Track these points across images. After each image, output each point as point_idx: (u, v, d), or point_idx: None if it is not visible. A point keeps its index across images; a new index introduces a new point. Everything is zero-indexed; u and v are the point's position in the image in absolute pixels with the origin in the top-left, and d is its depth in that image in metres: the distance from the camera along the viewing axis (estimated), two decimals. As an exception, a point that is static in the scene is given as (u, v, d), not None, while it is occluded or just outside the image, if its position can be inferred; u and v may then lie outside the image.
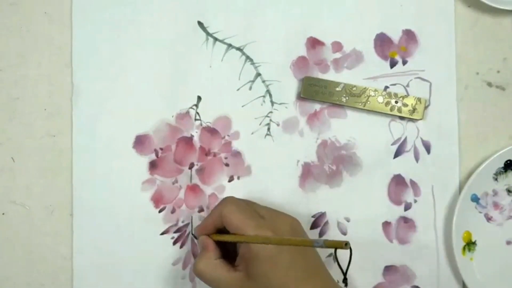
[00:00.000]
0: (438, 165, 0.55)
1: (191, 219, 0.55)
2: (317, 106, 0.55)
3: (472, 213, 0.55)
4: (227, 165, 0.55)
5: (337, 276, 0.55)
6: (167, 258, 0.54)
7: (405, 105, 0.55)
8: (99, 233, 0.54)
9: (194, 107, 0.55)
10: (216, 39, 0.55)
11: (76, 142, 0.54)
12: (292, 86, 0.55)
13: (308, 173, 0.55)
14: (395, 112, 0.55)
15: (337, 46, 0.56)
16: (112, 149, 0.54)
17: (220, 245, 0.48)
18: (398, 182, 0.55)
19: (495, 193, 0.56)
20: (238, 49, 0.55)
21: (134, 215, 0.54)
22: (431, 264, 0.55)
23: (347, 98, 0.55)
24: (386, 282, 0.55)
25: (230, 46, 0.55)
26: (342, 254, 0.55)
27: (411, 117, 0.55)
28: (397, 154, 0.55)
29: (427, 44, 0.56)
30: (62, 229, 0.54)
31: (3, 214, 0.54)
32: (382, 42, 0.56)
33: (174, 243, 0.54)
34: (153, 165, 0.54)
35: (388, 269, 0.55)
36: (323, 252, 0.55)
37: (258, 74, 0.55)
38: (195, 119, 0.55)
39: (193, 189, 0.55)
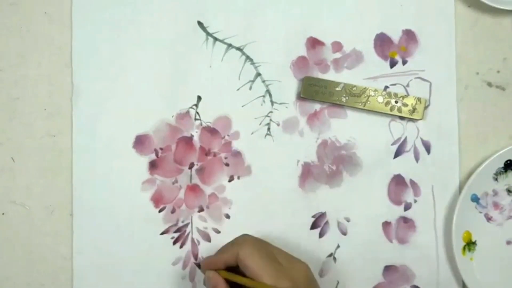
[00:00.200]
0: (438, 165, 0.55)
1: (191, 219, 0.55)
2: (317, 106, 0.55)
3: (472, 213, 0.55)
4: (227, 165, 0.55)
5: (337, 277, 0.55)
6: (167, 258, 0.54)
7: (405, 105, 0.55)
8: (99, 233, 0.54)
9: (194, 107, 0.55)
10: (216, 39, 0.55)
11: (76, 142, 0.54)
12: (292, 86, 0.55)
13: (308, 173, 0.55)
14: (395, 112, 0.55)
15: (337, 46, 0.56)
16: (112, 149, 0.54)
17: (229, 283, 0.45)
18: (398, 182, 0.55)
19: (495, 193, 0.56)
20: (238, 49, 0.55)
21: (134, 215, 0.54)
22: (431, 264, 0.55)
23: (347, 98, 0.55)
24: (386, 282, 0.55)
25: (230, 46, 0.55)
26: (342, 254, 0.56)
27: (411, 117, 0.55)
28: (397, 154, 0.55)
29: (427, 44, 0.56)
30: (62, 229, 0.54)
31: (3, 214, 0.54)
32: (382, 42, 0.56)
33: (174, 243, 0.54)
34: (153, 165, 0.54)
35: (388, 269, 0.55)
36: (323, 252, 0.55)
37: (258, 74, 0.55)
38: (195, 119, 0.55)
39: (193, 189, 0.55)
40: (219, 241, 0.54)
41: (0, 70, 0.55)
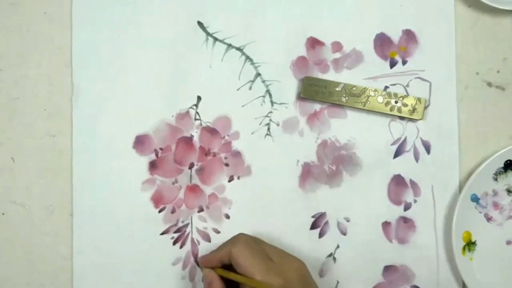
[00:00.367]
0: (438, 165, 0.55)
1: (191, 219, 0.55)
2: (317, 106, 0.55)
3: (472, 213, 0.55)
4: (227, 165, 0.55)
5: (337, 277, 0.55)
6: (167, 258, 0.54)
7: (405, 105, 0.55)
8: (99, 233, 0.54)
9: (194, 107, 0.55)
10: (216, 39, 0.55)
11: (76, 142, 0.54)
12: (292, 86, 0.55)
13: (308, 173, 0.55)
14: (395, 112, 0.55)
15: (337, 46, 0.56)
16: (112, 149, 0.54)
17: (224, 280, 0.47)
18: (398, 182, 0.55)
19: (495, 193, 0.56)
20: (238, 49, 0.55)
21: (134, 215, 0.54)
22: (431, 264, 0.55)
23: (347, 98, 0.55)
24: (386, 282, 0.55)
25: (230, 46, 0.55)
26: (342, 254, 0.55)
27: (411, 117, 0.55)
28: (397, 154, 0.55)
29: (427, 44, 0.56)
30: (62, 229, 0.54)
31: (3, 214, 0.54)
32: (382, 42, 0.56)
33: (174, 243, 0.54)
34: (153, 165, 0.54)
35: (388, 269, 0.55)
36: (323, 252, 0.55)
37: (258, 74, 0.55)
38: (195, 119, 0.55)
39: (193, 189, 0.55)
40: (219, 241, 0.54)
41: (0, 70, 0.55)
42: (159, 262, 0.54)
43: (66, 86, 0.55)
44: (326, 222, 0.55)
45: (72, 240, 0.54)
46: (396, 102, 0.55)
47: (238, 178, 0.55)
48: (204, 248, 0.54)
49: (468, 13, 0.56)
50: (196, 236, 0.55)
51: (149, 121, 0.55)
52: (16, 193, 0.54)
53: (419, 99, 0.55)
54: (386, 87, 0.56)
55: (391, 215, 0.55)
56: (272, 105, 0.55)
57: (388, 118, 0.56)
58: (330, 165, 0.55)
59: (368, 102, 0.55)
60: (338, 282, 0.55)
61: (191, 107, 0.55)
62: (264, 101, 0.55)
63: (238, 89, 0.55)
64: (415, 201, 0.55)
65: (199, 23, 0.55)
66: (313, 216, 0.55)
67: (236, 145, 0.55)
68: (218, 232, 0.55)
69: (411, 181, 0.55)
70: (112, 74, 0.55)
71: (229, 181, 0.55)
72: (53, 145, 0.54)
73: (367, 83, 0.55)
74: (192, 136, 0.55)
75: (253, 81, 0.55)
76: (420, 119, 0.55)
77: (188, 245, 0.55)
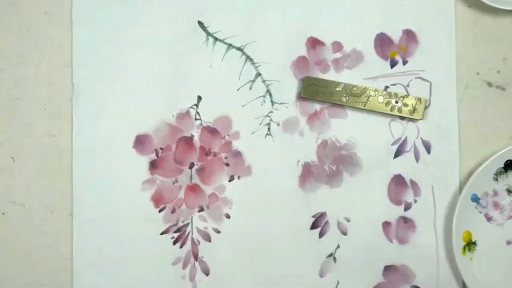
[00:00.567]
0: (438, 165, 0.55)
1: (191, 219, 0.55)
2: (317, 106, 0.55)
3: (472, 213, 0.55)
4: (227, 165, 0.55)
5: (337, 276, 0.55)
6: (167, 258, 0.54)
7: (405, 105, 0.55)
8: (99, 233, 0.54)
9: (194, 107, 0.55)
10: (216, 39, 0.55)
11: (76, 142, 0.54)
12: (292, 86, 0.55)
13: (308, 173, 0.55)
14: (395, 112, 0.55)
15: (337, 46, 0.56)
16: (112, 149, 0.54)
17: None
18: (398, 182, 0.55)
19: (495, 193, 0.56)
20: (238, 49, 0.55)
21: (134, 215, 0.54)
22: (431, 264, 0.55)
23: (347, 98, 0.55)
24: (386, 282, 0.55)
25: (230, 46, 0.55)
26: (342, 254, 0.55)
27: (411, 117, 0.55)
28: (397, 154, 0.55)
29: (427, 44, 0.56)
30: (62, 229, 0.54)
31: (3, 214, 0.54)
32: (382, 42, 0.56)
33: (174, 243, 0.54)
34: (153, 165, 0.54)
35: (388, 269, 0.55)
36: (323, 252, 0.55)
37: (258, 74, 0.55)
38: (195, 119, 0.55)
39: (193, 189, 0.55)
40: (219, 241, 0.54)
41: (0, 70, 0.55)
42: (159, 262, 0.54)
43: (66, 86, 0.55)
44: (326, 222, 0.55)
45: (72, 240, 0.54)
46: (396, 102, 0.55)
47: (239, 178, 0.55)
48: (204, 248, 0.54)
49: (468, 13, 0.56)
50: (196, 236, 0.55)
51: (149, 121, 0.55)
52: (16, 193, 0.54)
53: (419, 99, 0.55)
54: (387, 87, 0.56)
55: (391, 215, 0.55)
56: (272, 105, 0.55)
57: (389, 118, 0.56)
58: (330, 165, 0.55)
59: (369, 102, 0.55)
60: (338, 282, 0.55)
61: (191, 107, 0.55)
62: (264, 101, 0.55)
63: (238, 89, 0.55)
64: (415, 201, 0.55)
65: (199, 23, 0.55)
66: (313, 216, 0.55)
67: (236, 145, 0.55)
68: (218, 232, 0.55)
69: (411, 181, 0.55)
70: (112, 74, 0.55)
71: (230, 181, 0.55)
72: (53, 145, 0.54)
73: (367, 83, 0.55)
74: (192, 136, 0.55)
75: (253, 81, 0.55)
76: (421, 119, 0.55)
77: (188, 245, 0.55)
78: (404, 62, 0.56)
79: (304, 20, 0.56)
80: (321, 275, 0.55)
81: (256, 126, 0.55)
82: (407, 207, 0.55)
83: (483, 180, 0.54)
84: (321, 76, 0.55)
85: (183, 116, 0.55)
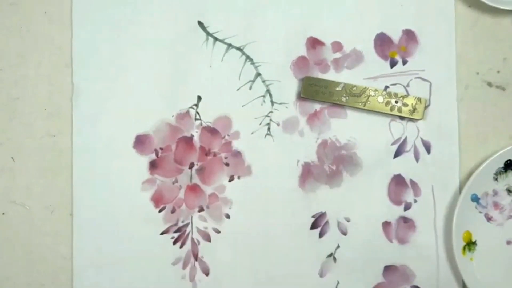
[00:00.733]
0: (438, 165, 0.55)
1: (191, 219, 0.55)
2: (317, 106, 0.55)
3: (472, 213, 0.55)
4: (227, 165, 0.55)
5: (337, 276, 0.55)
6: (167, 258, 0.54)
7: (405, 105, 0.55)
8: (99, 233, 0.54)
9: (194, 107, 0.55)
10: (216, 39, 0.55)
11: (76, 142, 0.54)
12: (292, 86, 0.55)
13: (308, 173, 0.55)
14: (395, 112, 0.55)
15: (337, 46, 0.56)
16: (112, 149, 0.54)
17: None
18: (398, 182, 0.55)
19: (495, 193, 0.55)
20: (238, 49, 0.55)
21: (134, 215, 0.54)
22: (431, 264, 0.55)
23: (347, 98, 0.55)
24: (386, 282, 0.55)
25: (230, 46, 0.55)
26: (342, 254, 0.55)
27: (411, 117, 0.55)
28: (397, 154, 0.55)
29: (427, 44, 0.56)
30: (62, 229, 0.54)
31: (3, 214, 0.54)
32: (382, 42, 0.56)
33: (174, 243, 0.54)
34: (153, 165, 0.54)
35: (388, 269, 0.55)
36: (323, 252, 0.55)
37: (258, 74, 0.55)
38: (195, 119, 0.55)
39: (193, 189, 0.55)
40: (219, 241, 0.54)
41: (0, 70, 0.55)
42: (159, 262, 0.54)
43: (66, 86, 0.55)
44: (326, 222, 0.55)
45: (72, 240, 0.54)
46: (396, 102, 0.55)
47: (239, 178, 0.55)
48: (204, 248, 0.54)
49: (468, 13, 0.56)
50: (196, 236, 0.55)
51: (149, 121, 0.55)
52: (16, 193, 0.54)
53: (419, 99, 0.55)
54: (386, 87, 0.56)
55: (391, 215, 0.55)
56: (272, 105, 0.55)
57: (388, 118, 0.56)
58: (330, 165, 0.55)
59: (368, 102, 0.55)
60: (338, 282, 0.55)
61: (191, 107, 0.55)
62: (264, 101, 0.55)
63: (238, 89, 0.55)
64: (415, 201, 0.55)
65: (199, 23, 0.55)
66: (313, 216, 0.55)
67: (236, 145, 0.55)
68: (218, 232, 0.55)
69: (411, 181, 0.55)
70: (112, 74, 0.55)
71: (229, 181, 0.55)
72: (53, 145, 0.54)
73: (367, 83, 0.55)
74: (192, 136, 0.55)
75: (253, 81, 0.55)
76: (420, 119, 0.55)
77: (188, 245, 0.55)
78: (404, 62, 0.56)
79: (304, 20, 0.56)
80: (321, 275, 0.55)
81: (256, 126, 0.55)
82: (407, 207, 0.55)
83: (483, 180, 0.54)
84: (321, 76, 0.55)
85: (183, 116, 0.55)
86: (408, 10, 0.56)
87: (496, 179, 0.55)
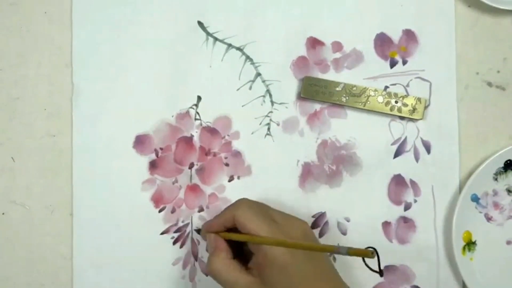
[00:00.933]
0: (438, 165, 0.55)
1: (191, 219, 0.55)
2: (317, 106, 0.55)
3: (472, 213, 0.55)
4: (227, 165, 0.55)
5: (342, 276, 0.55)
6: (167, 258, 0.54)
7: (405, 105, 0.55)
8: (99, 233, 0.54)
9: (194, 107, 0.55)
10: (216, 39, 0.55)
11: (76, 142, 0.54)
12: (292, 86, 0.55)
13: (308, 173, 0.55)
14: (395, 112, 0.55)
15: (337, 46, 0.56)
16: (112, 149, 0.54)
17: (230, 244, 0.47)
18: (398, 182, 0.55)
19: (495, 193, 0.56)
20: (238, 49, 0.55)
21: (134, 215, 0.54)
22: (431, 264, 0.55)
23: (347, 98, 0.55)
24: (386, 282, 0.55)
25: (230, 46, 0.55)
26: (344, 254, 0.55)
27: (411, 117, 0.55)
28: (397, 154, 0.55)
29: (427, 44, 0.56)
30: (62, 229, 0.54)
31: (3, 214, 0.54)
32: (382, 42, 0.56)
33: (174, 243, 0.54)
34: (153, 165, 0.54)
35: (388, 269, 0.55)
36: (323, 252, 0.55)
37: (258, 74, 0.55)
38: (195, 119, 0.55)
39: (193, 189, 0.55)
40: (219, 241, 0.54)
41: (0, 70, 0.55)
42: (159, 262, 0.54)
43: (66, 86, 0.55)
44: (326, 222, 0.55)
45: (72, 240, 0.54)
46: (396, 102, 0.55)
47: (238, 178, 0.55)
48: (204, 248, 0.54)
49: (468, 13, 0.56)
50: (196, 236, 0.55)
51: (149, 121, 0.55)
52: (16, 193, 0.54)
53: (419, 99, 0.55)
54: (386, 87, 0.56)
55: (391, 215, 0.55)
56: (272, 105, 0.55)
57: (388, 118, 0.56)
58: (330, 165, 0.55)
59: (368, 102, 0.55)
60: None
61: (191, 107, 0.55)
62: (264, 101, 0.55)
63: (238, 89, 0.55)
64: (415, 201, 0.55)
65: (199, 23, 0.55)
66: (313, 216, 0.55)
67: (236, 145, 0.55)
68: (218, 232, 0.55)
69: (411, 181, 0.55)
70: (112, 74, 0.55)
71: (229, 181, 0.55)
72: (53, 145, 0.54)
73: (367, 83, 0.55)
74: (192, 136, 0.55)
75: (253, 81, 0.55)
76: (420, 119, 0.55)
77: (188, 245, 0.55)
78: (404, 62, 0.56)
79: (304, 20, 0.56)
80: (321, 275, 0.55)
81: (256, 126, 0.55)
82: (407, 207, 0.55)
83: (483, 180, 0.54)
84: (321, 76, 0.55)
85: (183, 116, 0.55)
86: (408, 10, 0.56)
87: (496, 179, 0.55)
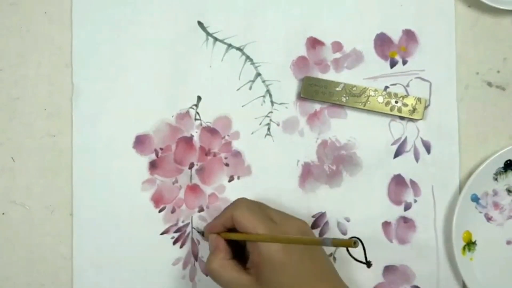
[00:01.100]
0: (438, 165, 0.55)
1: (191, 219, 0.55)
2: (317, 106, 0.55)
3: (472, 213, 0.55)
4: (227, 165, 0.55)
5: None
6: (167, 258, 0.54)
7: (405, 105, 0.55)
8: (99, 233, 0.54)
9: (194, 107, 0.55)
10: (216, 39, 0.55)
11: (76, 142, 0.54)
12: (292, 86, 0.55)
13: (308, 173, 0.55)
14: (395, 112, 0.55)
15: (337, 46, 0.56)
16: (112, 149, 0.54)
17: (230, 245, 0.48)
18: (398, 182, 0.55)
19: (495, 193, 0.56)
20: (238, 49, 0.55)
21: (134, 215, 0.54)
22: (431, 264, 0.55)
23: (347, 98, 0.55)
24: (386, 282, 0.55)
25: (230, 46, 0.55)
26: (342, 254, 0.55)
27: (411, 117, 0.55)
28: (397, 154, 0.55)
29: (427, 44, 0.56)
30: (62, 229, 0.54)
31: (3, 214, 0.54)
32: (382, 42, 0.56)
33: (174, 243, 0.54)
34: (153, 165, 0.54)
35: (388, 269, 0.55)
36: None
37: (258, 74, 0.55)
38: (195, 119, 0.55)
39: (193, 189, 0.55)
40: (219, 241, 0.54)
41: (0, 70, 0.55)
42: (159, 262, 0.54)
43: (66, 86, 0.55)
44: (326, 222, 0.55)
45: (72, 240, 0.54)
46: (396, 102, 0.55)
47: (238, 178, 0.55)
48: (204, 248, 0.54)
49: (468, 13, 0.56)
50: (196, 236, 0.55)
51: (149, 121, 0.55)
52: (16, 193, 0.54)
53: (419, 99, 0.55)
54: (386, 87, 0.56)
55: (391, 215, 0.55)
56: (272, 105, 0.55)
57: (388, 118, 0.56)
58: (330, 165, 0.55)
59: (368, 102, 0.55)
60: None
61: (191, 107, 0.55)
62: (264, 101, 0.55)
63: (238, 89, 0.55)
64: (415, 201, 0.55)
65: (199, 23, 0.55)
66: (313, 216, 0.55)
67: (236, 145, 0.55)
68: (218, 232, 0.55)
69: (411, 181, 0.55)
70: (112, 74, 0.55)
71: (229, 181, 0.55)
72: (53, 145, 0.54)
73: (367, 83, 0.55)
74: (192, 136, 0.55)
75: (253, 81, 0.55)
76: (420, 119, 0.55)
77: (188, 245, 0.55)
78: (404, 62, 0.56)
79: (304, 20, 0.56)
80: (321, 275, 0.55)
81: (256, 126, 0.55)
82: (407, 207, 0.55)
83: (483, 180, 0.54)
84: (321, 76, 0.55)
85: (183, 116, 0.55)
86: (408, 10, 0.56)
87: (496, 179, 0.55)
